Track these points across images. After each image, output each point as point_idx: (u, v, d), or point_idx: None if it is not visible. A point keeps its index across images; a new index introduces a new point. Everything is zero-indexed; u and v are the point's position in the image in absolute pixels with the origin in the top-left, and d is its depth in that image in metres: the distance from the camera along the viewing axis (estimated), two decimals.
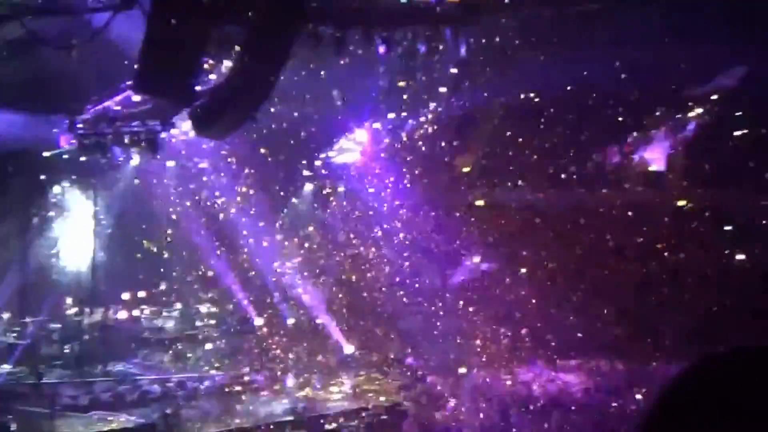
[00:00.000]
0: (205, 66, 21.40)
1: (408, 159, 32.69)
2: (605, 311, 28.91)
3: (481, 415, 22.30)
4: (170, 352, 27.59)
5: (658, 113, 32.98)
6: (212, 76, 23.21)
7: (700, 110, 32.38)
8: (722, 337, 25.34)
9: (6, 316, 27.01)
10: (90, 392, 23.29)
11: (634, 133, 33.24)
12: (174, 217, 32.20)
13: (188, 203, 32.22)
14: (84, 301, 28.84)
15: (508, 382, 25.36)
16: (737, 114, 30.52)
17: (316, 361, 28.95)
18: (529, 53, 29.42)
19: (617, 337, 27.77)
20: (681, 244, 31.07)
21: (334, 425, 22.41)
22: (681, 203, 32.84)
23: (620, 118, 31.75)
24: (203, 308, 29.96)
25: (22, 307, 28.02)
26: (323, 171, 33.91)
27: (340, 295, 32.37)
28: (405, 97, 32.13)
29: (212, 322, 29.50)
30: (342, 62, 28.45)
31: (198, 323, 29.30)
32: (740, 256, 30.04)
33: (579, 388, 24.38)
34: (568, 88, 30.43)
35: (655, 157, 34.83)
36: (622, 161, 33.98)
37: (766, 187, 29.88)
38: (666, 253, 31.07)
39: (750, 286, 27.95)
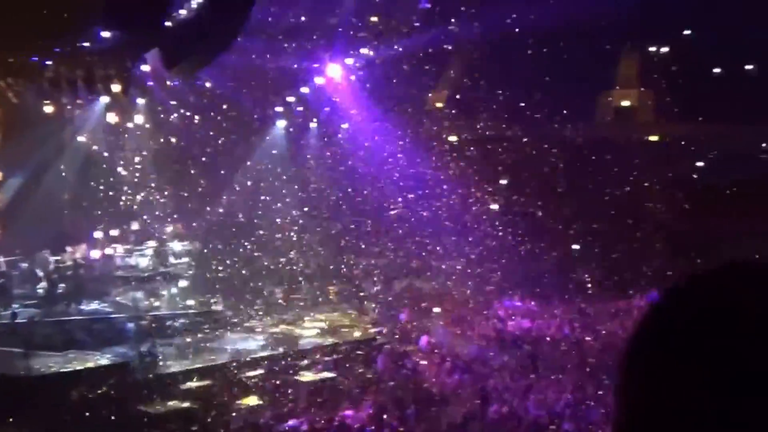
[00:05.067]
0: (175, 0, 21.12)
1: (381, 95, 32.50)
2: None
3: (458, 351, 22.44)
4: (144, 290, 27.48)
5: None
6: (182, 12, 22.90)
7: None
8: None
9: None
10: (65, 331, 23.18)
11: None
12: (145, 154, 31.98)
13: (161, 140, 32.02)
14: (56, 240, 28.59)
15: (483, 319, 25.53)
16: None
17: (292, 298, 29.01)
18: None
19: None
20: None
21: (308, 360, 22.49)
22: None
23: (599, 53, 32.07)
24: (177, 246, 29.81)
25: None
26: (297, 108, 33.64)
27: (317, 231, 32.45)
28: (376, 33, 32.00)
29: (186, 260, 29.35)
30: None
31: (172, 260, 29.15)
32: None
33: (552, 324, 24.62)
34: (542, 23, 30.45)
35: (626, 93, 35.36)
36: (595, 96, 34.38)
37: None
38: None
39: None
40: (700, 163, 34.20)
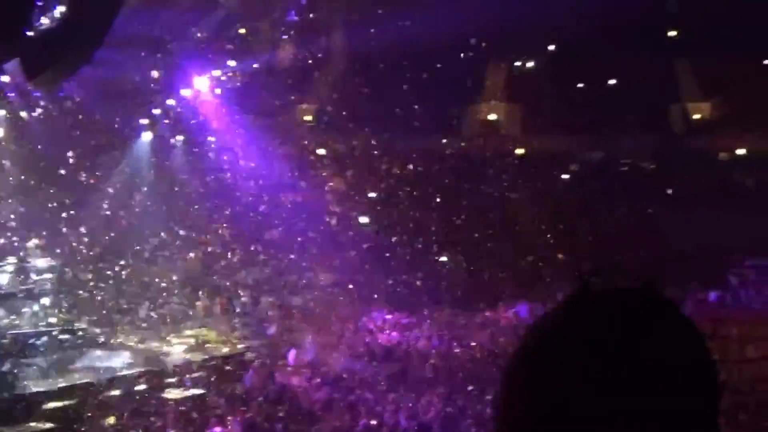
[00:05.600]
0: (37, 10, 20.60)
1: (249, 107, 32.32)
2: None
3: (327, 365, 22.42)
4: (4, 308, 26.62)
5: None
6: (44, 22, 22.35)
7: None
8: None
9: None
10: None
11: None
12: (6, 167, 31.07)
13: (22, 153, 31.15)
14: None
15: (352, 332, 25.58)
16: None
17: (159, 314, 28.52)
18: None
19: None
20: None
21: (176, 377, 22.17)
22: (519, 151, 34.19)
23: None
24: (39, 262, 28.96)
25: None
26: (163, 120, 33.11)
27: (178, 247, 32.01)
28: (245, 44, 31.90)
29: (48, 276, 28.54)
30: (181, 7, 27.97)
31: (34, 277, 28.30)
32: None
33: (421, 335, 24.83)
34: (410, 36, 30.84)
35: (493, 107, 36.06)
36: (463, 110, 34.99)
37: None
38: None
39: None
40: (565, 176, 35.05)
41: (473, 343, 23.59)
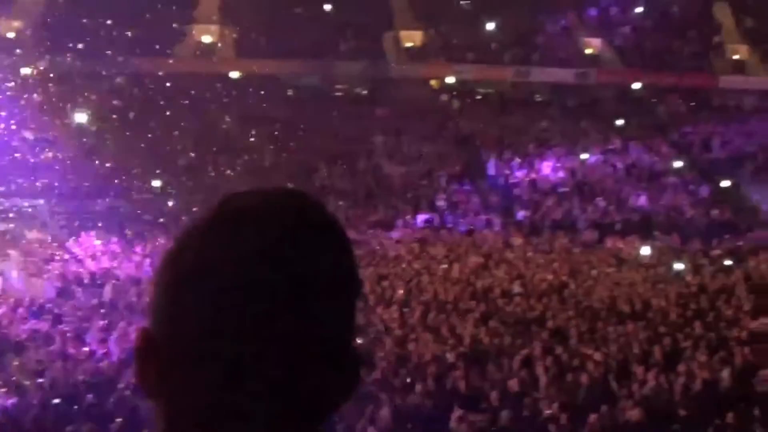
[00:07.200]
0: None
1: None
2: None
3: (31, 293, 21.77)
4: None
5: None
6: None
7: None
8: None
9: None
10: None
11: None
12: None
13: None
14: None
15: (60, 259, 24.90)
16: None
17: None
18: None
19: None
20: None
21: None
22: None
23: None
24: None
25: None
26: None
27: None
28: None
29: None
30: None
31: None
32: None
33: (133, 262, 24.57)
34: None
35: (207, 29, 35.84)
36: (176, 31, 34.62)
37: None
38: None
39: None
40: (280, 100, 35.30)
41: None
